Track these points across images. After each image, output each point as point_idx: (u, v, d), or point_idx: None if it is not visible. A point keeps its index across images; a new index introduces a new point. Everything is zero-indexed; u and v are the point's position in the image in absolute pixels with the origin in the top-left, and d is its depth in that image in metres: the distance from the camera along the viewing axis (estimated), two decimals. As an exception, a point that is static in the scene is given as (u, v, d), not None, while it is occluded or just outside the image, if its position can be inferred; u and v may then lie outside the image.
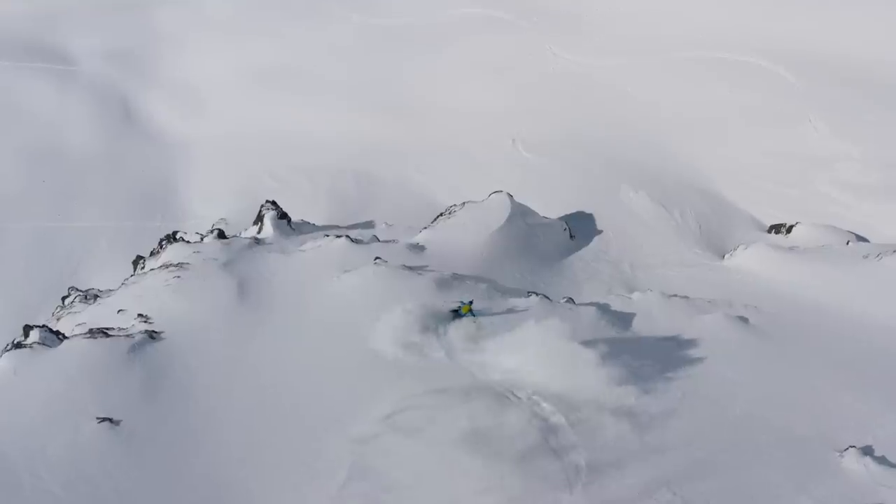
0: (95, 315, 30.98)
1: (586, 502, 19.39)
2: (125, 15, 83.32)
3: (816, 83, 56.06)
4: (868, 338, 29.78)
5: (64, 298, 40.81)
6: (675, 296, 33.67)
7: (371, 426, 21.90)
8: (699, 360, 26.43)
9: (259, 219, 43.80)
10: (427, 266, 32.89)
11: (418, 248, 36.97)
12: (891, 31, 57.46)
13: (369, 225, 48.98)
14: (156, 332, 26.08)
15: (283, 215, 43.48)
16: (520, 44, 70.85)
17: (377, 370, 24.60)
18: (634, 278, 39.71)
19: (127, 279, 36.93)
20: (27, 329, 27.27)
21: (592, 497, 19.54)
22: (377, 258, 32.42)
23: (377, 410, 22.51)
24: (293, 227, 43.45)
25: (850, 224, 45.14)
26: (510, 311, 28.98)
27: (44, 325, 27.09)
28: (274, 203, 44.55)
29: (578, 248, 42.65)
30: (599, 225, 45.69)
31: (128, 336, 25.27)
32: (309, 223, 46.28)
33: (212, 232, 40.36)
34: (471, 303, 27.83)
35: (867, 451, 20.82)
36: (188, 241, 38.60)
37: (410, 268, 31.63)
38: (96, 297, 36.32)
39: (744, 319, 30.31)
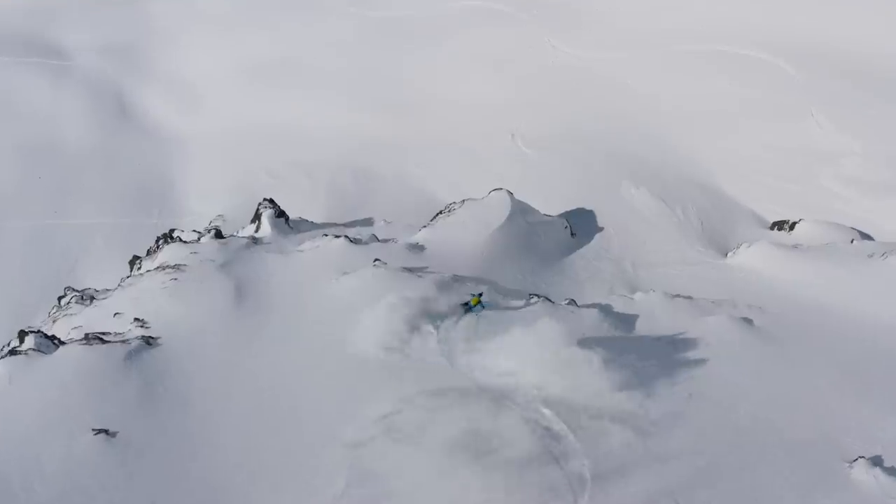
0: (91, 318, 30.63)
1: None
2: (120, 9, 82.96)
3: (817, 76, 55.67)
4: (873, 339, 29.53)
5: (60, 299, 40.47)
6: (679, 296, 33.38)
7: (367, 429, 21.63)
8: (703, 364, 26.12)
9: (256, 217, 43.39)
10: (427, 267, 32.53)
11: (418, 247, 36.59)
12: (891, 23, 57.01)
13: (368, 222, 48.59)
14: (152, 338, 25.73)
15: (280, 213, 43.05)
16: (519, 36, 70.42)
17: (374, 371, 24.42)
18: (637, 277, 39.37)
19: (123, 280, 36.57)
20: (22, 334, 26.90)
21: (597, 506, 19.24)
22: (376, 260, 32.07)
23: (373, 412, 22.25)
24: (291, 225, 43.03)
25: (852, 220, 44.78)
26: (511, 312, 28.66)
27: (39, 331, 26.71)
28: (271, 201, 44.13)
29: (580, 246, 42.26)
30: (600, 222, 45.29)
31: (124, 342, 24.91)
32: (307, 221, 45.86)
33: (209, 231, 39.92)
34: (480, 295, 28.06)
35: (876, 461, 20.52)
36: (185, 241, 38.18)
37: (410, 269, 31.26)
38: (92, 298, 35.95)
39: (748, 321, 30.01)
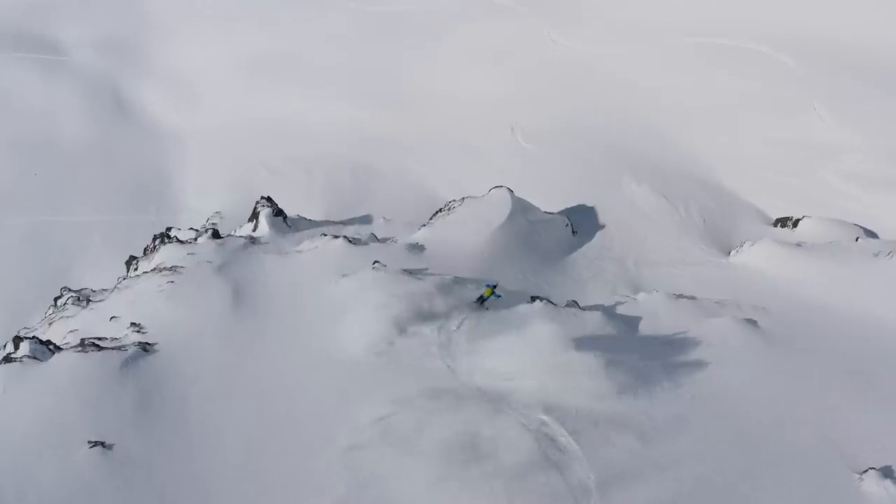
0: (88, 321, 30.33)
1: None
2: (116, 4, 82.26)
3: (817, 69, 55.01)
4: (879, 340, 29.32)
5: (56, 299, 40.16)
6: (682, 296, 33.12)
7: (364, 432, 21.43)
8: (707, 367, 25.88)
9: (254, 216, 42.93)
10: (427, 269, 32.15)
11: (417, 248, 36.16)
12: (891, 15, 56.42)
13: (366, 220, 48.13)
14: (149, 345, 25.37)
15: (278, 212, 42.61)
16: (519, 31, 69.83)
17: (372, 374, 24.24)
18: (639, 276, 38.94)
19: (120, 282, 36.21)
20: (17, 341, 26.53)
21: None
22: (376, 262, 31.67)
23: (370, 414, 22.06)
24: (289, 224, 42.56)
25: (854, 215, 44.28)
26: (511, 314, 28.32)
27: (34, 337, 26.32)
28: (269, 199, 43.69)
29: (581, 244, 41.81)
30: (602, 219, 44.85)
31: (120, 349, 24.54)
32: (305, 219, 45.38)
33: (206, 231, 39.46)
34: (495, 286, 28.47)
35: (887, 472, 20.16)
36: (182, 241, 37.72)
37: (410, 272, 30.86)
38: (89, 299, 35.62)
39: (752, 323, 29.71)
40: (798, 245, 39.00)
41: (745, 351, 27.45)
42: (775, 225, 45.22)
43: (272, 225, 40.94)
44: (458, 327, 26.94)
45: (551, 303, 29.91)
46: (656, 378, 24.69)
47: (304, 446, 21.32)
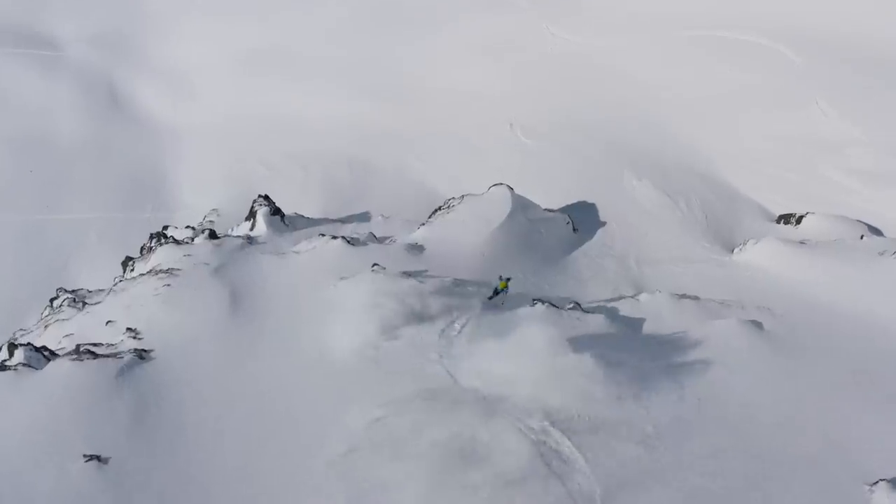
0: (83, 325, 29.91)
1: None
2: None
3: (817, 61, 54.56)
4: (883, 340, 29.01)
5: (52, 300, 39.72)
6: (685, 296, 32.74)
7: (361, 435, 21.26)
8: (711, 370, 25.68)
9: (251, 215, 42.48)
10: (426, 271, 31.75)
11: (416, 248, 35.71)
12: (892, 7, 55.89)
13: (365, 217, 47.61)
14: (145, 351, 24.97)
15: (276, 211, 42.18)
16: (518, 24, 69.39)
17: (369, 375, 24.04)
18: (641, 275, 38.50)
19: (116, 283, 35.74)
20: (11, 348, 26.06)
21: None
22: (375, 264, 31.22)
23: (367, 416, 21.92)
24: (286, 222, 42.14)
25: (856, 210, 43.93)
26: (511, 316, 27.99)
27: (29, 344, 25.85)
28: (266, 197, 43.26)
29: (582, 242, 41.33)
30: (603, 216, 44.42)
31: (116, 357, 24.12)
32: (303, 217, 44.95)
33: (203, 231, 38.96)
34: (509, 279, 29.45)
35: (897, 484, 19.83)
36: (178, 241, 37.23)
37: (409, 274, 30.45)
38: (84, 301, 35.16)
39: (757, 324, 29.39)
40: (802, 243, 38.53)
41: (750, 354, 27.13)
42: (778, 221, 44.80)
43: (269, 224, 40.58)
44: (459, 331, 26.61)
45: (553, 305, 29.51)
46: (659, 381, 24.44)
47: (302, 448, 21.14)
